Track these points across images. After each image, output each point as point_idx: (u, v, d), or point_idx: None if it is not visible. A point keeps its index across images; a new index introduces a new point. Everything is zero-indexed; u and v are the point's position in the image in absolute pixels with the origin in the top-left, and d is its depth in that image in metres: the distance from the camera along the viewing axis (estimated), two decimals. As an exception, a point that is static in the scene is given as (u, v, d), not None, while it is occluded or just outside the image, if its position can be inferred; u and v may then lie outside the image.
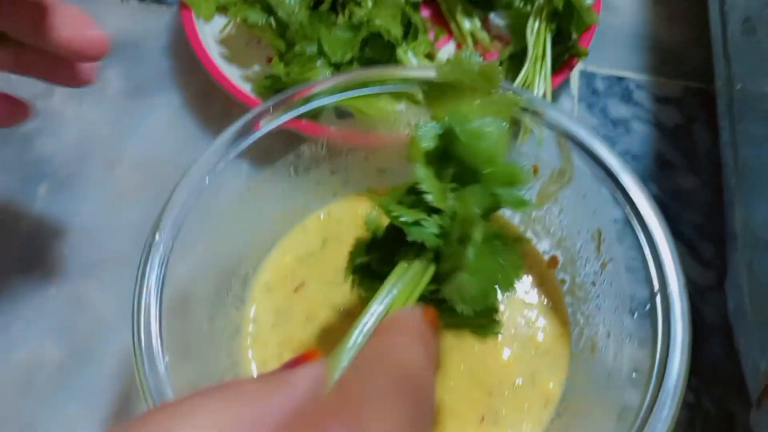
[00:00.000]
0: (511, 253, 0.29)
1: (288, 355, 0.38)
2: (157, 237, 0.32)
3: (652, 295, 0.33)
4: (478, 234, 0.26)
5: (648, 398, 0.30)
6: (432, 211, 0.27)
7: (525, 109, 0.37)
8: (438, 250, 0.27)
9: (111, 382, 0.41)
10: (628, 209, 0.35)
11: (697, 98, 0.50)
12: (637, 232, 0.35)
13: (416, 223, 0.27)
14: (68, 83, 0.37)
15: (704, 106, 0.49)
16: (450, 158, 0.28)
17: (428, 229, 0.27)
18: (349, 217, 0.43)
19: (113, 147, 0.51)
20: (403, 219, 0.27)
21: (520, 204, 0.29)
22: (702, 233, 0.44)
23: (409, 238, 0.27)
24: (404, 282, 0.26)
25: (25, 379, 0.41)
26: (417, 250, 0.27)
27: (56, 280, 0.45)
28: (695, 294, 0.43)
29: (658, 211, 0.34)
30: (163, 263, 0.31)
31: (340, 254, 0.41)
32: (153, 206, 0.47)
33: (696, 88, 0.50)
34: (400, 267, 0.27)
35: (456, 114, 0.29)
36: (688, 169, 0.47)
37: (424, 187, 0.27)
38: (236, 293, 0.38)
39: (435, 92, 0.32)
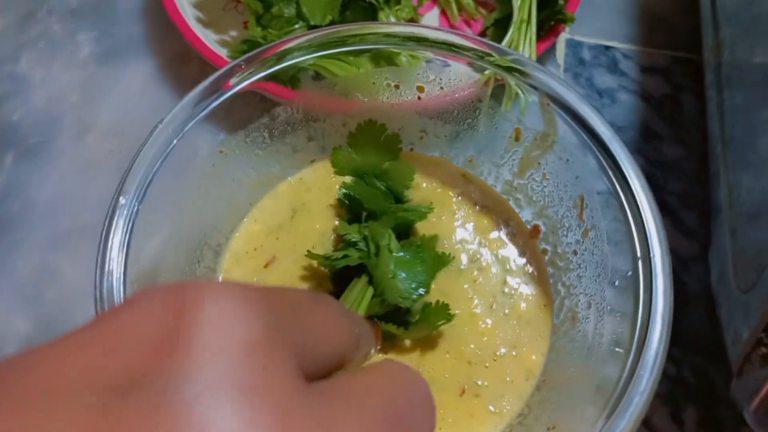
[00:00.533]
0: (428, 252, 0.36)
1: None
2: (121, 200, 0.30)
3: (635, 262, 0.32)
4: (385, 243, 0.35)
5: (627, 369, 0.30)
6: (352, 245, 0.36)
7: (510, 69, 0.36)
8: (368, 271, 0.35)
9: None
10: (613, 177, 0.34)
11: (684, 68, 0.49)
12: (622, 200, 0.34)
13: (344, 256, 0.35)
14: None
15: (692, 76, 0.48)
16: (362, 204, 0.37)
17: (351, 256, 0.35)
18: (319, 186, 0.41)
19: (84, 113, 0.49)
20: (332, 258, 0.35)
21: (421, 216, 0.38)
22: (686, 203, 0.44)
23: (338, 267, 0.35)
24: (350, 299, 0.34)
25: (-10, 350, 0.40)
26: (355, 273, 0.35)
27: (24, 252, 0.43)
28: (678, 264, 0.42)
29: (644, 179, 0.34)
30: (127, 228, 0.30)
31: (309, 227, 0.40)
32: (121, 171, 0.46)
33: (684, 58, 0.49)
34: (347, 289, 0.35)
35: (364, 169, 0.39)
36: (673, 140, 0.46)
37: (344, 233, 0.36)
38: (208, 264, 0.37)
39: (357, 141, 0.39)
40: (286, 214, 0.40)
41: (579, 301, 0.37)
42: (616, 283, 0.34)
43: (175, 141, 0.32)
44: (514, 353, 0.38)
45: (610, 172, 0.34)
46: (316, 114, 0.40)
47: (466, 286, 0.39)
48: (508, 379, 0.37)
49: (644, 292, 0.31)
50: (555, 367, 0.37)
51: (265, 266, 0.39)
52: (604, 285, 0.35)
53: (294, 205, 0.40)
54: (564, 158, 0.37)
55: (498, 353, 0.38)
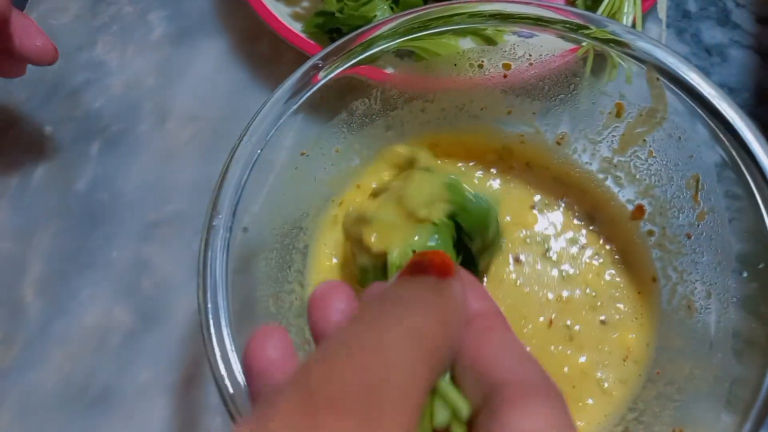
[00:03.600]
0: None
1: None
2: (215, 222, 0.30)
3: (767, 253, 0.29)
4: None
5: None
6: None
7: (609, 41, 0.33)
8: None
9: (180, 346, 0.40)
10: (732, 149, 0.31)
11: (806, 14, 0.43)
12: (745, 174, 0.30)
13: None
14: (3, 74, 0.42)
15: (815, 22, 0.43)
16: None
17: None
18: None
19: (161, 98, 0.48)
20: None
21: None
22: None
23: None
24: None
25: (97, 345, 0.41)
26: None
27: (118, 243, 0.44)
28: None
29: (768, 147, 0.30)
30: (224, 247, 0.29)
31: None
32: (206, 162, 0.46)
33: (805, 2, 0.44)
34: None
35: None
36: (794, 100, 0.41)
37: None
38: (298, 267, 0.37)
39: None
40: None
41: (695, 289, 0.34)
42: (744, 274, 0.31)
43: (259, 151, 0.31)
44: (608, 324, 0.37)
45: (726, 143, 0.31)
46: (394, 102, 0.38)
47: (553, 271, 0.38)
48: (606, 348, 0.36)
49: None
50: (669, 359, 0.35)
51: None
52: (727, 274, 0.32)
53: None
54: (675, 135, 0.34)
55: (587, 314, 0.37)
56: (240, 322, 0.30)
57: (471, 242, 0.33)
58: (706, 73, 0.42)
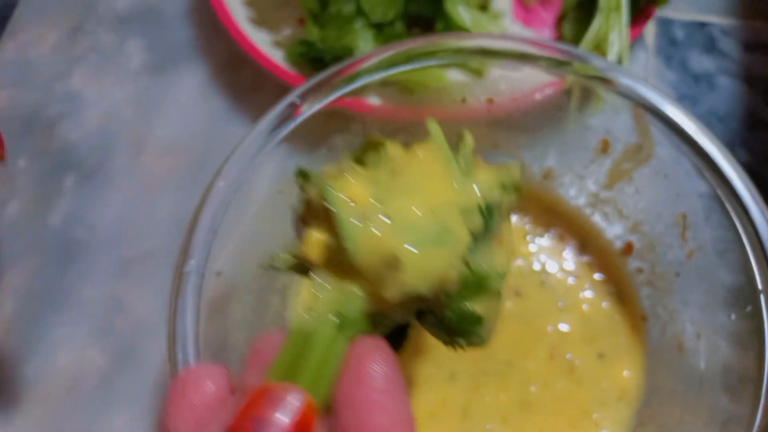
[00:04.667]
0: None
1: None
2: (188, 267, 0.28)
3: (755, 293, 0.28)
4: None
5: (759, 415, 0.26)
6: None
7: (593, 77, 0.32)
8: None
9: (156, 387, 0.39)
10: (717, 187, 0.30)
11: (793, 41, 0.43)
12: (729, 214, 0.30)
13: None
14: None
15: (803, 49, 0.42)
16: None
17: None
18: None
19: (139, 129, 0.47)
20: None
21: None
22: (801, 204, 0.39)
23: None
24: None
25: (71, 386, 0.40)
26: None
27: (91, 280, 0.42)
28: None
29: (753, 188, 0.29)
30: (196, 293, 0.28)
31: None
32: (184, 195, 0.44)
33: (793, 28, 0.43)
34: None
35: None
36: (784, 128, 0.40)
37: None
38: (276, 309, 0.35)
39: None
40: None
41: (685, 329, 0.33)
42: (732, 316, 0.30)
43: (233, 193, 0.30)
44: (602, 361, 0.36)
45: (711, 180, 0.30)
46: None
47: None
48: (603, 384, 0.35)
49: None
50: (661, 400, 0.34)
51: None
52: (717, 315, 0.31)
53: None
54: (662, 173, 0.33)
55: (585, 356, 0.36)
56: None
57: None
58: (694, 100, 0.42)
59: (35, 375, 0.40)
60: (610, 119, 0.33)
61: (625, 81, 0.31)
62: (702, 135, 0.30)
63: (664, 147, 0.32)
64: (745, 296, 0.29)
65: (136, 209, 0.44)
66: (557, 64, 0.32)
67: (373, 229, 0.21)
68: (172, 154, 0.46)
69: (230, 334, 0.32)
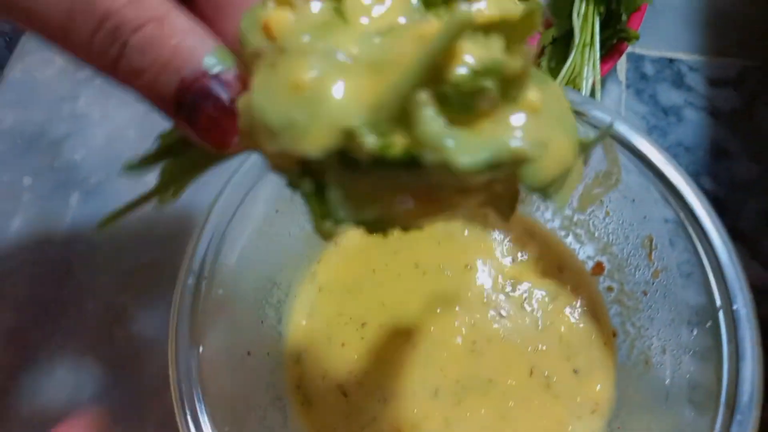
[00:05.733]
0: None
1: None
2: (189, 281, 0.31)
3: (714, 312, 0.31)
4: None
5: (719, 424, 0.29)
6: None
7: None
8: None
9: (152, 399, 0.41)
10: (680, 213, 0.33)
11: (757, 77, 0.46)
12: (692, 238, 0.32)
13: None
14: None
15: (764, 85, 0.45)
16: None
17: None
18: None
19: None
20: None
21: None
22: (764, 229, 0.41)
23: None
24: None
25: (70, 396, 0.41)
26: None
27: (92, 293, 0.44)
28: (757, 297, 0.40)
29: (715, 214, 0.32)
30: (196, 307, 0.30)
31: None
32: (184, 213, 0.46)
33: (755, 66, 0.46)
34: None
35: None
36: (747, 158, 0.43)
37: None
38: (271, 322, 0.37)
39: None
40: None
41: (652, 344, 0.35)
42: (694, 332, 0.32)
43: (235, 210, 0.32)
44: (576, 376, 0.38)
45: (675, 207, 0.33)
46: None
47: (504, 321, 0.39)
48: (578, 399, 0.37)
49: (728, 342, 0.30)
50: (630, 413, 0.36)
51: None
52: (681, 331, 0.34)
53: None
54: (629, 197, 0.36)
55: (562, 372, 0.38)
56: (212, 382, 0.31)
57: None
58: (663, 131, 0.45)
59: (35, 385, 0.41)
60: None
61: (596, 114, 0.34)
62: (668, 165, 0.33)
63: (632, 174, 0.34)
64: (705, 314, 0.32)
65: (137, 226, 0.46)
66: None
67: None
68: (171, 174, 0.48)
69: (230, 344, 0.34)
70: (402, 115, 0.16)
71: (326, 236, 0.18)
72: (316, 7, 0.17)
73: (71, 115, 0.52)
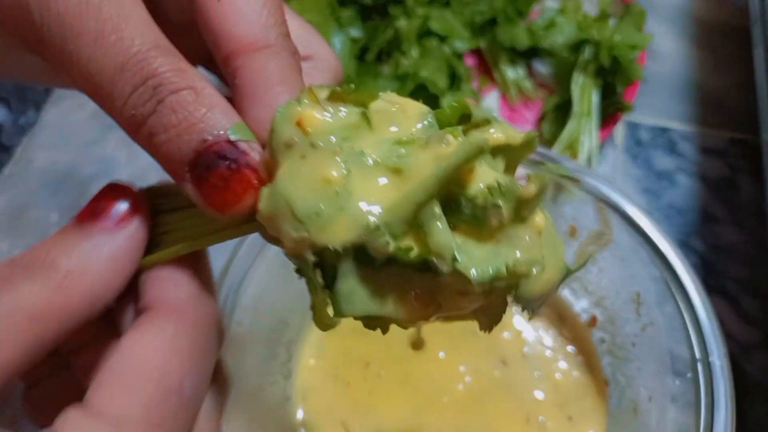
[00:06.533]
0: None
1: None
2: None
3: (694, 363, 0.33)
4: None
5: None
6: None
7: (564, 176, 0.38)
8: None
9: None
10: (665, 272, 0.35)
11: (741, 150, 0.49)
12: (676, 298, 0.35)
13: None
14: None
15: (749, 157, 0.49)
16: None
17: None
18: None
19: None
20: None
21: None
22: (746, 289, 0.44)
23: None
24: None
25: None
26: None
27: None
28: (738, 352, 0.42)
29: (695, 275, 0.35)
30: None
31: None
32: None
33: (741, 139, 0.50)
34: None
35: None
36: (732, 223, 0.46)
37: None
38: (282, 360, 0.40)
39: None
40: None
41: (640, 393, 0.38)
42: (677, 382, 0.35)
43: (255, 254, 0.35)
44: (570, 421, 0.40)
45: (661, 269, 0.36)
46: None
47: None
48: None
49: (705, 393, 0.32)
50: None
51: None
52: (665, 378, 0.36)
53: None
54: (620, 256, 0.38)
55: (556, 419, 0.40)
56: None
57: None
58: (656, 194, 0.48)
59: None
60: (577, 209, 0.39)
61: (590, 181, 0.37)
62: (655, 230, 0.36)
63: (622, 235, 0.37)
64: (686, 365, 0.34)
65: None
66: (535, 164, 0.38)
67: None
68: (192, 216, 0.51)
69: (243, 379, 0.37)
70: (415, 221, 0.18)
71: (325, 328, 0.19)
72: (344, 111, 0.19)
73: (99, 156, 0.55)
